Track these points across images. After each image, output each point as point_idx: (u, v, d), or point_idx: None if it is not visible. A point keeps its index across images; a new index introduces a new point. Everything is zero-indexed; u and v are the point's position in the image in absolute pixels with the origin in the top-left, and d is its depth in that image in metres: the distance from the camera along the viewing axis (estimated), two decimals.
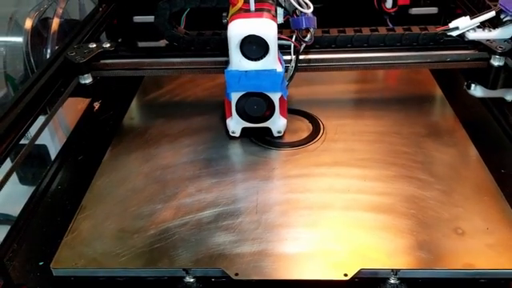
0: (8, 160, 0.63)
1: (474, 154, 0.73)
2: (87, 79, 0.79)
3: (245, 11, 0.67)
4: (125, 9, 1.07)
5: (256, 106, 0.72)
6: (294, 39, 0.71)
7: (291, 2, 0.69)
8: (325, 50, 0.78)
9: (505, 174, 0.71)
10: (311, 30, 0.70)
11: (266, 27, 0.66)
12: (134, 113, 0.88)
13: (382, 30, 0.79)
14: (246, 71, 0.68)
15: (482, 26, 0.78)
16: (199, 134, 0.80)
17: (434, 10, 1.06)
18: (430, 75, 0.93)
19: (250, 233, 0.60)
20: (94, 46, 0.81)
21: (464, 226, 0.60)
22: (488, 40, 0.76)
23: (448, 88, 0.89)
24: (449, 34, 0.78)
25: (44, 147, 0.98)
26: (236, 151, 0.75)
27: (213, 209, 0.64)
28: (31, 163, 0.97)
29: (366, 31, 0.79)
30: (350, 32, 0.79)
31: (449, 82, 0.91)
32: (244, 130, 0.76)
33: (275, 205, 0.65)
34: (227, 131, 0.78)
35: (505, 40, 0.76)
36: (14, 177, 1.01)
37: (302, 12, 0.69)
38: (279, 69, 0.69)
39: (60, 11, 0.95)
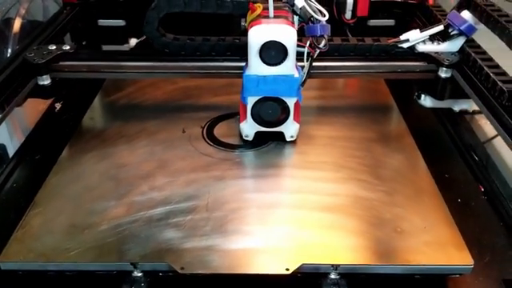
0: None
1: (419, 159, 0.76)
2: (45, 80, 0.80)
3: (264, 17, 0.69)
4: (89, 12, 1.07)
5: (271, 110, 0.73)
6: (308, 45, 0.71)
7: (307, 10, 0.70)
8: None
9: (448, 179, 0.75)
10: (325, 36, 0.71)
11: (286, 33, 0.67)
12: (93, 113, 0.89)
13: (337, 40, 0.82)
14: (264, 76, 0.70)
15: (432, 38, 0.81)
16: (156, 135, 0.81)
17: (390, 22, 1.10)
18: (384, 85, 0.96)
19: (199, 229, 0.62)
20: (54, 47, 0.82)
21: (403, 225, 0.62)
22: (436, 52, 0.80)
23: (401, 98, 0.93)
24: (400, 45, 0.82)
25: (2, 147, 0.97)
26: (191, 152, 0.77)
27: (164, 206, 0.66)
28: None
29: (353, 41, 0.83)
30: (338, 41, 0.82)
31: (402, 91, 0.94)
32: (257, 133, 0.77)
33: (226, 203, 0.66)
34: (183, 133, 0.80)
35: (452, 53, 0.80)
36: None
37: (317, 19, 0.70)
38: (296, 74, 0.71)
39: (23, 11, 0.96)
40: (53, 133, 0.89)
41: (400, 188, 0.69)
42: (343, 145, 0.79)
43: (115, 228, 0.62)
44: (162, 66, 0.82)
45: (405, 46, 0.81)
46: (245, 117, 0.75)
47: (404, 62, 0.81)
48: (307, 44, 0.71)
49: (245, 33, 0.72)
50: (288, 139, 0.77)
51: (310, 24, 0.70)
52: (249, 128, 0.76)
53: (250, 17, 0.72)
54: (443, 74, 0.79)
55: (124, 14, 1.08)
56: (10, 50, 0.93)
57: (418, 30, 0.81)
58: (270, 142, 0.78)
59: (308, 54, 0.71)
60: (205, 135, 0.81)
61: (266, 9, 0.70)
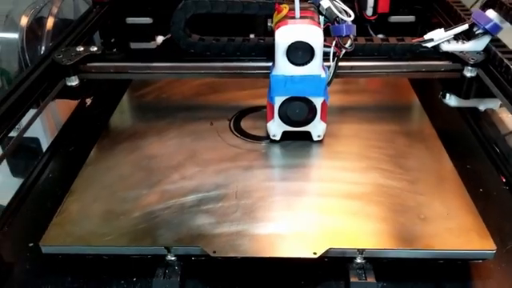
0: None
1: (441, 149, 0.77)
2: (74, 81, 0.81)
3: (290, 18, 0.70)
4: (118, 10, 1.11)
5: (298, 110, 0.74)
6: (333, 45, 0.72)
7: (332, 11, 0.71)
8: None
9: (469, 170, 0.76)
10: (351, 36, 0.71)
11: (313, 34, 0.68)
12: (123, 108, 0.93)
13: (361, 40, 0.82)
14: (292, 76, 0.71)
15: (456, 38, 0.81)
16: (185, 127, 0.84)
17: (411, 18, 1.11)
18: (406, 80, 0.97)
19: (229, 216, 0.64)
20: (82, 49, 0.83)
21: (427, 211, 0.64)
22: (461, 52, 0.79)
23: (422, 92, 0.94)
24: (424, 45, 0.81)
25: (36, 140, 1.01)
26: (219, 144, 0.80)
27: (195, 194, 0.68)
28: (23, 156, 1.01)
29: (376, 40, 0.82)
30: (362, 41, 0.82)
31: (424, 86, 0.96)
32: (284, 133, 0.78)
33: (253, 191, 0.69)
34: (211, 125, 0.83)
35: (477, 52, 0.79)
36: (7, 169, 1.05)
37: (342, 20, 0.70)
38: (323, 74, 0.71)
39: (55, 10, 1.00)
40: (85, 127, 0.93)
41: (422, 177, 0.71)
42: (367, 136, 0.81)
43: (149, 214, 0.65)
44: (187, 66, 0.84)
45: (429, 45, 0.81)
46: (272, 116, 0.76)
47: (429, 62, 0.81)
48: (333, 44, 0.72)
49: (271, 33, 0.74)
50: (315, 139, 0.78)
51: (336, 24, 0.71)
52: (276, 127, 0.77)
53: (276, 17, 0.73)
54: (469, 73, 0.78)
55: (151, 12, 1.11)
56: (43, 47, 0.96)
57: (442, 30, 0.81)
58: None
59: (334, 53, 0.72)
60: (232, 127, 0.83)
61: (292, 9, 0.71)
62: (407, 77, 0.93)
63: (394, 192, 0.68)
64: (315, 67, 0.71)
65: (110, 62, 0.83)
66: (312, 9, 0.73)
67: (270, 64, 0.77)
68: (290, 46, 0.69)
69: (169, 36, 1.11)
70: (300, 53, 0.69)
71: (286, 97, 0.73)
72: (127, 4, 1.10)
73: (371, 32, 1.11)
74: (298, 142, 0.79)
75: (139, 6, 1.10)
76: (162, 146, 0.80)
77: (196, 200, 0.68)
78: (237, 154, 0.77)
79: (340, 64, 0.74)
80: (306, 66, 0.70)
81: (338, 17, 0.70)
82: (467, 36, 0.80)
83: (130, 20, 1.12)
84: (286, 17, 0.71)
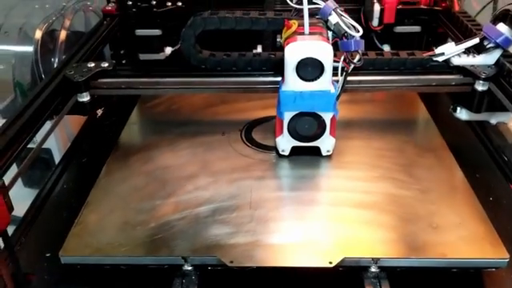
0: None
1: (450, 158, 0.79)
2: (85, 97, 0.81)
3: (299, 34, 0.71)
4: (127, 22, 1.12)
5: (307, 125, 0.74)
6: (342, 60, 0.72)
7: (341, 26, 0.71)
8: None
9: (479, 179, 0.77)
10: (360, 51, 0.71)
11: (323, 50, 0.69)
12: (135, 119, 0.94)
13: (372, 55, 0.83)
14: (301, 92, 0.71)
15: (467, 51, 0.81)
16: (197, 138, 0.85)
17: (417, 28, 1.11)
18: (415, 94, 0.98)
19: (244, 226, 0.65)
20: (93, 65, 0.83)
21: (439, 220, 0.65)
22: (472, 65, 0.79)
23: (430, 103, 0.95)
24: (435, 59, 0.81)
25: (49, 151, 1.03)
26: (231, 154, 0.81)
27: (209, 204, 0.69)
28: (36, 167, 1.02)
29: (386, 55, 0.83)
30: (373, 55, 0.82)
31: (432, 98, 0.96)
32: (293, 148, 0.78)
33: (267, 201, 0.70)
34: (223, 135, 0.84)
35: (488, 66, 0.79)
36: (19, 180, 1.06)
37: (351, 35, 0.70)
38: (333, 90, 0.72)
39: (67, 23, 1.01)
40: (96, 138, 0.95)
41: (433, 186, 0.72)
42: (377, 146, 0.82)
43: (165, 225, 0.66)
44: (197, 81, 0.84)
45: (440, 59, 0.81)
46: (281, 131, 0.76)
47: (439, 76, 0.81)
48: (341, 59, 0.72)
49: (279, 48, 0.74)
50: (324, 154, 0.78)
51: (344, 39, 0.71)
52: (285, 143, 0.77)
53: (285, 33, 0.73)
54: (480, 87, 0.78)
55: (160, 23, 1.12)
56: (56, 59, 0.98)
57: (453, 43, 0.81)
58: None
59: (342, 68, 0.73)
60: (243, 137, 0.85)
61: (301, 25, 0.71)
62: (418, 91, 0.93)
63: (405, 201, 0.69)
64: (325, 83, 0.71)
65: (120, 77, 0.84)
66: (321, 24, 0.74)
67: (279, 79, 0.77)
68: (299, 62, 0.70)
69: (177, 47, 1.13)
70: (310, 69, 0.70)
71: (295, 112, 0.74)
72: (136, 16, 1.11)
73: (377, 42, 1.12)
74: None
75: (148, 17, 1.11)
76: (175, 157, 0.81)
77: (210, 210, 0.69)
78: (249, 164, 0.78)
79: (349, 78, 0.75)
80: (315, 82, 0.71)
81: (346, 32, 0.71)
82: (478, 50, 0.80)
83: (140, 32, 1.13)
84: (295, 32, 0.71)
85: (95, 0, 1.18)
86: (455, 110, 0.84)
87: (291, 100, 0.72)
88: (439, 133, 0.85)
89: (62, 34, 0.99)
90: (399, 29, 1.11)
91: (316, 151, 0.78)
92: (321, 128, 0.75)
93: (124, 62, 1.16)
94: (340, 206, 0.69)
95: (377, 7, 1.07)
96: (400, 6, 1.08)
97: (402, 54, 0.83)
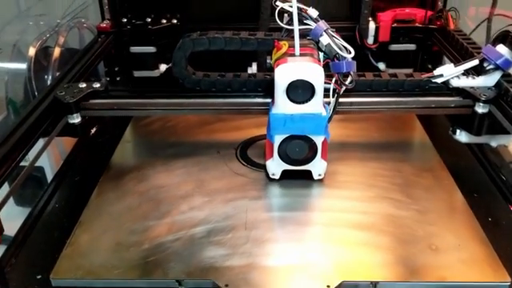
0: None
1: (448, 178, 0.78)
2: (76, 119, 0.79)
3: (290, 55, 0.69)
4: (122, 39, 1.12)
5: (298, 148, 0.72)
6: (334, 82, 0.71)
7: (332, 47, 0.69)
8: None
9: (477, 199, 0.76)
10: (352, 73, 0.70)
11: (313, 72, 0.67)
12: (129, 137, 0.93)
13: (369, 76, 0.82)
14: (292, 114, 0.69)
15: (466, 73, 0.80)
16: (192, 156, 0.84)
17: (412, 46, 1.12)
18: (413, 116, 0.96)
19: (240, 247, 0.64)
20: (84, 85, 0.82)
21: (437, 242, 0.64)
22: (472, 87, 0.78)
23: (427, 123, 0.94)
24: (434, 80, 0.80)
25: (41, 169, 1.01)
26: (227, 173, 0.80)
27: (204, 225, 0.68)
28: (28, 185, 1.00)
29: (385, 76, 0.81)
30: (370, 76, 0.81)
31: (430, 120, 0.95)
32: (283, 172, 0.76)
33: (263, 222, 0.69)
34: (218, 154, 0.83)
35: (488, 88, 0.78)
36: (10, 199, 1.04)
37: (342, 56, 0.69)
38: (324, 112, 0.70)
39: (61, 40, 1.00)
40: (90, 155, 0.93)
41: (431, 206, 0.71)
42: (372, 165, 0.81)
43: (158, 246, 0.65)
44: (188, 103, 0.82)
45: (439, 80, 0.80)
46: (271, 155, 0.75)
47: (439, 98, 0.80)
48: (333, 81, 0.71)
49: (271, 69, 0.73)
50: (316, 178, 0.76)
51: (336, 61, 0.69)
52: (275, 166, 0.75)
53: (275, 55, 0.71)
54: (480, 109, 0.76)
55: (155, 41, 1.12)
56: (50, 77, 0.97)
57: (452, 65, 0.80)
58: None
59: (334, 90, 0.71)
60: (239, 156, 0.84)
61: (291, 46, 0.69)
62: (416, 113, 0.91)
63: (403, 222, 0.68)
64: (316, 105, 0.69)
65: (112, 98, 0.82)
66: (312, 45, 0.72)
67: (268, 100, 0.76)
68: (290, 85, 0.68)
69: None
70: (300, 91, 0.68)
71: (286, 135, 0.72)
72: (131, 33, 1.11)
73: (372, 60, 1.13)
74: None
75: (143, 35, 1.11)
76: (170, 176, 0.80)
77: (205, 231, 0.67)
78: (244, 183, 0.77)
79: (344, 100, 0.74)
80: (306, 104, 0.69)
81: (337, 53, 0.69)
82: (477, 71, 0.79)
83: (134, 49, 1.12)
84: (285, 54, 0.70)
85: (89, 17, 1.18)
86: (454, 133, 0.82)
87: (281, 123, 0.70)
88: (437, 153, 0.84)
89: (56, 52, 0.98)
90: (394, 47, 1.11)
91: (307, 175, 0.76)
92: (312, 151, 0.73)
93: (118, 79, 1.15)
94: (337, 227, 0.68)
95: (372, 25, 1.08)
96: (395, 24, 1.09)
97: (400, 76, 0.81)
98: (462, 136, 0.82)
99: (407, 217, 0.69)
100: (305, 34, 0.72)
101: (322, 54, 0.72)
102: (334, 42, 0.70)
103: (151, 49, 1.12)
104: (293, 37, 0.69)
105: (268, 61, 0.78)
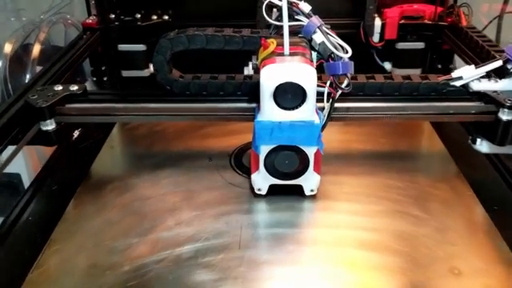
0: None
1: (467, 190, 0.70)
2: (49, 125, 0.71)
3: (278, 55, 0.61)
4: (109, 37, 1.04)
5: (287, 160, 0.64)
6: (328, 85, 0.64)
7: (327, 46, 0.62)
8: None
9: (501, 214, 0.68)
10: (348, 75, 0.63)
11: (304, 74, 0.59)
12: (113, 141, 0.85)
13: (379, 78, 0.73)
14: (280, 122, 0.61)
15: (488, 75, 0.72)
16: (181, 164, 0.76)
17: (420, 45, 1.05)
18: (426, 122, 0.88)
19: (232, 270, 0.56)
20: (60, 88, 0.73)
21: (460, 265, 0.56)
22: (495, 91, 0.70)
23: (441, 127, 0.86)
24: (452, 83, 0.72)
25: (17, 176, 0.93)
26: (219, 183, 0.72)
27: (192, 244, 0.60)
28: (3, 193, 0.92)
29: (361, 78, 0.72)
30: (363, 79, 0.72)
31: (446, 130, 0.87)
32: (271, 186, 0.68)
33: (259, 240, 0.61)
34: (210, 161, 0.76)
35: None
36: None
37: (338, 56, 0.62)
38: (317, 120, 0.62)
39: (42, 36, 0.93)
40: (71, 162, 0.85)
41: (451, 223, 0.63)
42: (382, 175, 0.73)
43: (140, 268, 0.57)
44: (169, 108, 0.73)
45: (458, 83, 0.71)
46: (257, 168, 0.66)
47: (457, 103, 0.71)
48: (327, 84, 0.63)
49: (257, 71, 0.65)
50: (307, 193, 0.67)
51: (331, 61, 0.62)
52: (262, 181, 0.67)
53: (261, 54, 0.63)
54: (505, 116, 0.67)
55: (145, 38, 1.04)
56: (28, 76, 0.89)
57: (472, 66, 0.72)
58: None
59: (328, 94, 0.64)
60: (233, 164, 0.76)
61: (280, 45, 0.61)
62: (431, 120, 0.81)
63: (419, 241, 0.60)
64: (307, 112, 0.61)
65: (91, 102, 0.73)
66: (303, 44, 0.64)
67: (255, 105, 0.68)
68: (277, 88, 0.59)
69: None
70: (289, 96, 0.60)
71: (273, 146, 0.63)
72: (119, 30, 1.04)
73: (377, 59, 1.06)
74: None
75: (132, 32, 1.04)
76: (155, 186, 0.72)
77: (194, 250, 0.59)
78: (239, 194, 0.69)
79: (340, 105, 0.66)
80: (296, 111, 0.61)
81: (332, 53, 0.62)
82: (499, 73, 0.71)
83: (122, 47, 1.05)
84: (273, 53, 0.62)
85: (75, 13, 1.10)
86: (474, 142, 0.73)
87: (268, 132, 0.62)
88: (454, 162, 0.76)
89: (36, 49, 0.90)
90: (401, 45, 1.05)
91: (298, 190, 0.68)
92: (303, 164, 0.65)
93: (105, 79, 1.09)
94: (343, 247, 0.60)
95: (378, 22, 1.01)
96: (402, 21, 1.02)
97: (415, 78, 0.72)
98: (482, 146, 0.72)
99: (424, 235, 0.61)
100: (296, 32, 0.65)
101: (315, 54, 0.64)
102: (328, 39, 0.62)
103: (141, 47, 1.05)
104: (282, 34, 0.61)
105: (254, 61, 0.69)
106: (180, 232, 0.62)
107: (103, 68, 1.07)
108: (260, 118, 0.63)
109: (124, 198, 0.70)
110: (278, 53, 0.62)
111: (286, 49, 0.61)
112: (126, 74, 1.08)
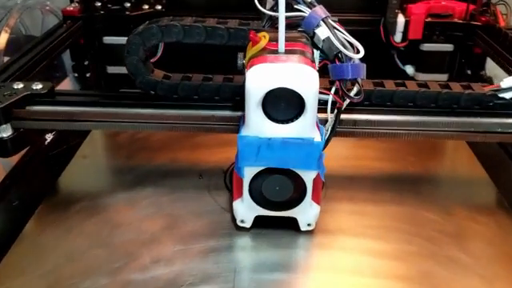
0: None
1: None
2: (4, 132, 0.59)
3: (270, 52, 0.49)
4: (94, 27, 0.92)
5: (279, 187, 0.52)
6: (333, 92, 0.52)
7: (333, 43, 0.51)
8: None
9: None
10: (359, 81, 0.52)
11: (303, 77, 0.46)
12: (87, 150, 0.72)
13: (411, 86, 0.59)
14: (269, 139, 0.49)
15: None
16: (165, 181, 0.64)
17: (449, 47, 0.93)
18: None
19: None
20: (21, 86, 0.61)
21: None
22: None
23: (484, 157, 0.72)
24: (500, 95, 0.59)
25: None
26: (210, 207, 0.59)
27: None
28: None
29: (389, 85, 0.59)
30: (368, 85, 0.59)
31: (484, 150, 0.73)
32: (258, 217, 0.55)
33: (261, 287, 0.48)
34: (200, 179, 0.63)
35: None
36: None
37: (347, 57, 0.51)
38: (318, 137, 0.49)
39: (12, 22, 0.80)
40: (38, 171, 0.72)
41: (500, 269, 0.50)
42: (411, 202, 0.60)
43: None
44: (145, 114, 0.60)
45: (508, 95, 0.59)
46: (240, 194, 0.53)
47: (507, 119, 0.58)
48: (332, 91, 0.52)
49: (242, 72, 0.53)
50: (303, 228, 0.55)
51: (337, 63, 0.51)
52: (245, 210, 0.54)
53: (250, 51, 0.50)
54: None
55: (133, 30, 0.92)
56: None
57: None
58: None
59: (333, 104, 0.52)
60: (228, 183, 0.63)
61: (273, 40, 0.49)
62: (475, 140, 0.63)
63: None
64: (305, 126, 0.49)
65: (57, 105, 0.61)
66: (304, 40, 0.52)
67: (240, 114, 0.55)
68: (267, 95, 0.47)
69: (155, 59, 0.94)
70: (283, 105, 0.48)
71: (261, 168, 0.51)
72: (105, 20, 0.92)
73: (398, 62, 0.95)
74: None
75: (119, 22, 0.92)
76: (132, 209, 0.59)
77: None
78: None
79: (354, 117, 0.54)
80: (291, 125, 0.48)
81: (340, 52, 0.50)
82: None
83: (108, 39, 0.93)
84: (264, 50, 0.49)
85: None
86: None
87: (253, 150, 0.49)
88: (496, 188, 0.63)
89: (3, 38, 0.77)
90: (427, 46, 0.93)
91: (291, 224, 0.55)
92: (298, 191, 0.52)
93: (88, 75, 0.96)
94: None
95: (401, 19, 0.90)
96: (429, 19, 0.91)
97: (455, 87, 0.59)
98: None
99: (467, 286, 0.48)
100: (295, 24, 0.53)
101: (317, 53, 0.53)
102: (335, 35, 0.51)
103: None
104: (277, 27, 0.48)
105: (240, 60, 0.55)
106: (157, 274, 0.50)
107: (86, 63, 0.95)
108: (244, 132, 0.49)
109: (92, 223, 0.57)
110: (271, 50, 0.49)
111: (281, 45, 0.48)
112: (111, 70, 0.96)
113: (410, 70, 0.95)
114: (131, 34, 0.57)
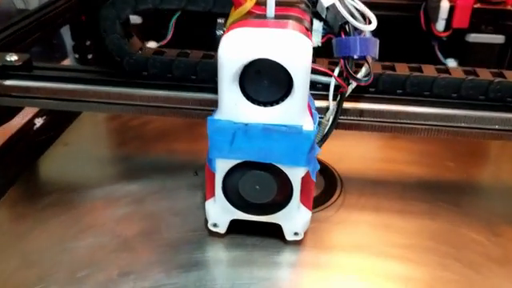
0: None
1: None
2: None
3: (256, 17, 0.40)
4: (96, 3, 0.84)
5: (259, 185, 0.42)
6: (336, 74, 0.44)
7: (338, 12, 0.42)
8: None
9: None
10: (369, 59, 0.44)
11: (292, 47, 0.37)
12: (70, 137, 0.63)
13: (429, 70, 0.50)
14: (247, 124, 0.40)
15: None
16: (153, 176, 0.54)
17: (499, 38, 0.82)
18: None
19: None
20: None
21: None
22: None
23: None
24: None
25: None
26: (201, 211, 0.49)
27: None
28: None
29: (401, 69, 0.50)
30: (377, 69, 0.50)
31: None
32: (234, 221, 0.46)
33: None
34: (195, 176, 0.54)
35: None
36: None
37: (356, 29, 0.42)
38: (309, 125, 0.40)
39: None
40: (20, 160, 0.64)
41: None
42: (449, 219, 0.49)
43: None
44: (109, 93, 0.53)
45: None
46: (212, 193, 0.44)
47: None
48: (336, 71, 0.44)
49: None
50: (289, 238, 0.45)
51: (343, 36, 0.42)
52: (219, 212, 0.45)
53: (232, 16, 0.42)
54: None
55: (142, 9, 0.84)
56: None
57: None
58: (328, 203, 0.50)
59: (336, 88, 0.44)
60: None
61: (261, 4, 0.40)
62: (503, 138, 0.53)
63: None
64: (293, 111, 0.39)
65: (34, 80, 0.53)
66: (302, 6, 0.43)
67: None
68: (246, 69, 0.38)
69: (167, 41, 0.86)
70: (265, 82, 0.38)
71: (237, 161, 0.42)
72: None
73: (439, 54, 0.84)
74: (336, 213, 0.48)
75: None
76: (108, 208, 0.50)
77: None
78: (230, 234, 0.46)
79: (377, 108, 0.46)
80: (275, 108, 0.39)
81: (347, 23, 0.42)
82: None
83: None
84: (248, 14, 0.40)
85: None
86: None
87: (227, 139, 0.40)
88: None
89: None
90: (473, 37, 0.82)
91: (275, 232, 0.45)
92: (284, 192, 0.42)
93: (90, 56, 0.89)
94: None
95: (445, 4, 0.79)
96: (478, 5, 0.80)
97: (483, 74, 0.49)
98: None
99: None
100: None
101: (320, 24, 0.44)
102: (342, 2, 0.42)
103: (136, 19, 0.86)
104: None
105: (219, 29, 0.46)
106: None
107: (88, 43, 0.88)
108: (217, 115, 0.40)
109: (59, 222, 0.48)
110: (257, 14, 0.39)
111: (271, 8, 0.39)
112: None
113: (452, 63, 0.84)
114: (102, 8, 0.50)
